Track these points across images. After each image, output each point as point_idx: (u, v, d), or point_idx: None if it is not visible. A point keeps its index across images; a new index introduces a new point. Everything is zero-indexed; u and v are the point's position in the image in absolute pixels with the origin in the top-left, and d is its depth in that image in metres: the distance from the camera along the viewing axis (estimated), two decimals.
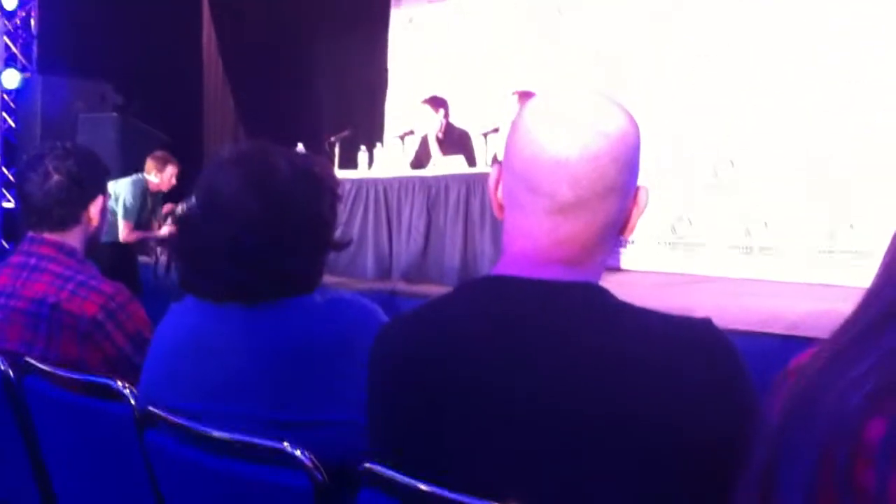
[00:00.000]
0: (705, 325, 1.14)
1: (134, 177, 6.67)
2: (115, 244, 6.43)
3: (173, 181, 6.72)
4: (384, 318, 1.60)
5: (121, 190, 6.58)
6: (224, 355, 1.57)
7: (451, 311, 1.22)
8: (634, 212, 1.22)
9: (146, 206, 6.66)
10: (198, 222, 1.62)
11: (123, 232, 6.46)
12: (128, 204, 6.54)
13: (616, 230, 1.21)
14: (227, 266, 1.56)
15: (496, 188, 1.25)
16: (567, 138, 1.14)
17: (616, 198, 1.17)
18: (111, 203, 6.48)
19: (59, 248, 2.22)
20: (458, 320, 1.20)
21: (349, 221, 6.86)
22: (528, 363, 1.12)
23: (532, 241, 1.18)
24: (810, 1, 7.04)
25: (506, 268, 1.20)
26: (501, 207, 1.24)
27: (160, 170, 6.77)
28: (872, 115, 6.67)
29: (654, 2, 7.97)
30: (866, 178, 6.62)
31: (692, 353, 1.10)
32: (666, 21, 7.88)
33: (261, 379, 1.55)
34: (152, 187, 6.71)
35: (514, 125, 1.21)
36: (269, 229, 1.58)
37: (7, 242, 9.33)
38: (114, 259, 6.22)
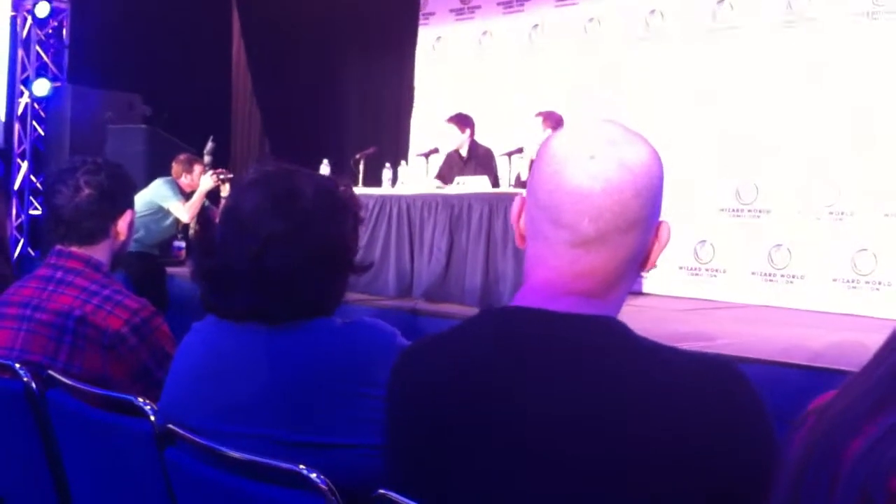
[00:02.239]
0: (725, 364, 1.14)
1: (163, 178, 6.79)
2: (144, 254, 6.51)
3: (203, 179, 6.81)
4: (403, 342, 1.61)
5: (155, 188, 6.67)
6: (243, 375, 1.58)
7: (469, 341, 1.23)
8: (655, 246, 1.22)
9: (186, 196, 6.75)
10: (221, 241, 1.64)
11: (183, 214, 6.55)
12: (169, 192, 6.64)
13: (637, 264, 1.22)
14: (248, 286, 1.58)
15: (518, 218, 1.26)
16: (590, 171, 1.15)
17: (638, 232, 1.18)
18: (157, 203, 6.58)
19: (87, 262, 2.25)
20: (476, 350, 1.21)
21: (372, 238, 6.88)
22: (544, 397, 1.12)
23: (553, 272, 1.19)
24: (839, 28, 7.02)
25: (526, 299, 1.21)
26: (523, 237, 1.25)
27: (188, 171, 6.87)
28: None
29: (682, 26, 7.97)
30: (891, 209, 6.58)
31: (711, 394, 1.10)
32: (693, 44, 7.88)
33: (279, 400, 1.56)
34: (184, 188, 6.80)
35: (539, 156, 1.23)
36: (290, 250, 1.60)
37: (33, 250, 9.43)
38: (143, 269, 6.30)
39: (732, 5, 7.66)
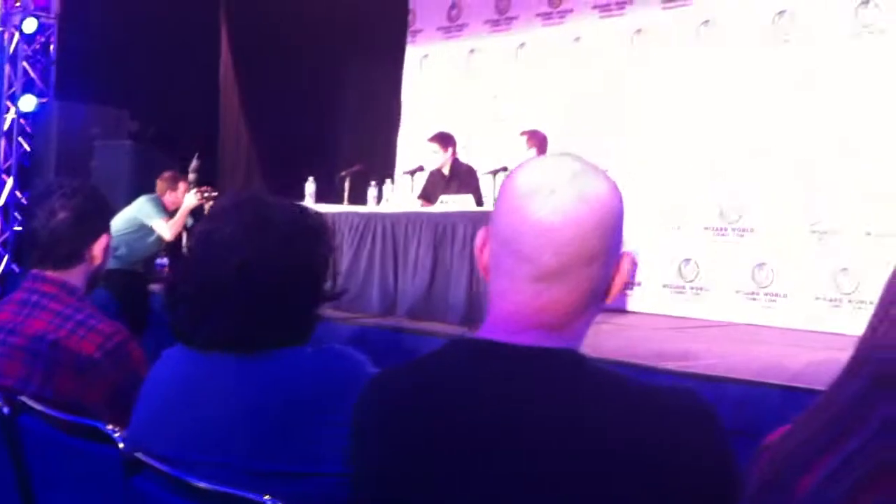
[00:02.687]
0: (687, 395, 1.15)
1: (147, 196, 6.79)
2: (127, 272, 6.50)
3: (188, 197, 6.81)
4: (373, 370, 1.62)
5: (139, 206, 6.68)
6: (211, 404, 1.59)
7: (434, 372, 1.24)
8: (617, 278, 1.24)
9: (170, 213, 6.75)
10: (192, 269, 1.64)
11: (166, 232, 6.55)
12: (153, 209, 6.64)
13: (599, 296, 1.23)
14: (218, 314, 1.59)
15: (482, 251, 1.27)
16: (550, 206, 1.16)
17: (599, 265, 1.19)
18: (141, 220, 6.58)
19: (61, 286, 2.25)
20: (439, 382, 1.22)
21: (356, 256, 6.89)
22: (507, 429, 1.13)
23: (515, 305, 1.20)
24: (823, 47, 7.07)
25: (488, 332, 1.22)
26: (487, 270, 1.26)
27: (173, 189, 6.88)
28: (880, 162, 6.68)
29: (667, 46, 8.02)
30: (873, 228, 6.62)
31: (671, 425, 1.11)
32: (678, 64, 7.93)
33: (247, 428, 1.56)
34: (169, 206, 6.80)
35: (501, 190, 1.24)
36: (262, 278, 1.60)
37: (18, 266, 9.40)
38: (126, 286, 6.28)
39: (716, 25, 7.71)
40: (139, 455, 1.60)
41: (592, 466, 1.08)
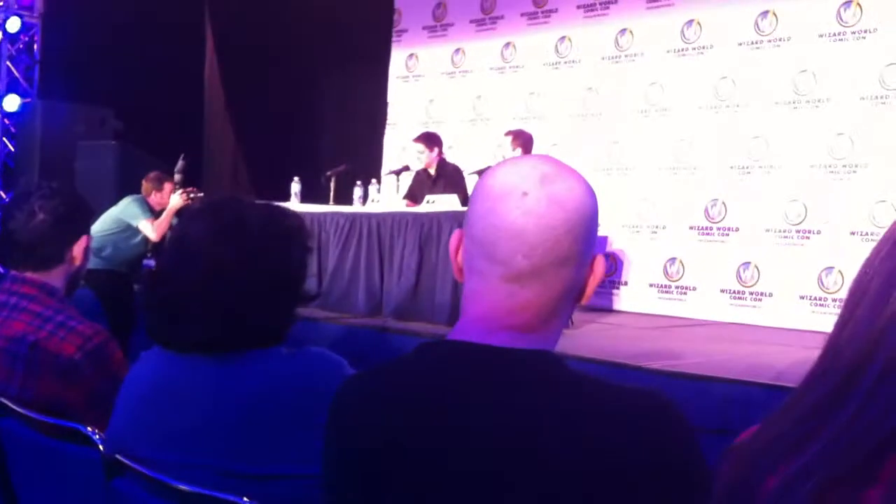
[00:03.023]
0: (656, 397, 1.15)
1: (133, 196, 6.77)
2: (112, 272, 6.48)
3: (173, 198, 6.80)
4: (350, 371, 1.62)
5: (124, 206, 6.66)
6: (188, 406, 1.59)
7: (408, 374, 1.25)
8: (591, 280, 1.24)
9: (155, 214, 6.74)
10: (168, 271, 1.64)
11: (151, 232, 6.53)
12: (138, 210, 6.62)
13: (572, 298, 1.23)
14: (194, 315, 1.59)
15: (456, 252, 1.27)
16: (523, 208, 1.17)
17: (572, 267, 1.20)
18: (126, 221, 6.56)
19: (41, 287, 2.24)
20: (412, 385, 1.22)
21: (342, 256, 6.89)
22: (480, 431, 1.14)
23: (488, 307, 1.20)
24: (810, 47, 7.11)
25: (462, 333, 1.22)
26: (461, 271, 1.27)
27: (158, 189, 6.86)
28: (865, 162, 6.73)
29: (652, 46, 8.05)
30: (858, 226, 6.66)
31: (640, 427, 1.11)
32: (663, 64, 7.96)
33: (224, 430, 1.56)
34: (154, 206, 6.79)
35: (475, 192, 1.24)
36: (237, 279, 1.61)
37: (3, 268, 9.35)
38: (111, 287, 6.27)
39: (702, 25, 7.74)
40: (119, 457, 1.60)
41: (562, 467, 1.09)
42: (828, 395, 0.93)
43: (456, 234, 1.28)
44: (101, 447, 1.67)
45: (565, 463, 1.09)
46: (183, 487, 1.47)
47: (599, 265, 1.24)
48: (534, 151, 6.97)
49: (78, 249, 2.32)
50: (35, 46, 9.70)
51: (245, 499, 1.37)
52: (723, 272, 7.37)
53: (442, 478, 1.14)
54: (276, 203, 1.82)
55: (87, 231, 2.36)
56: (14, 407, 1.93)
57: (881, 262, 0.96)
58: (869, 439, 0.86)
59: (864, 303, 0.95)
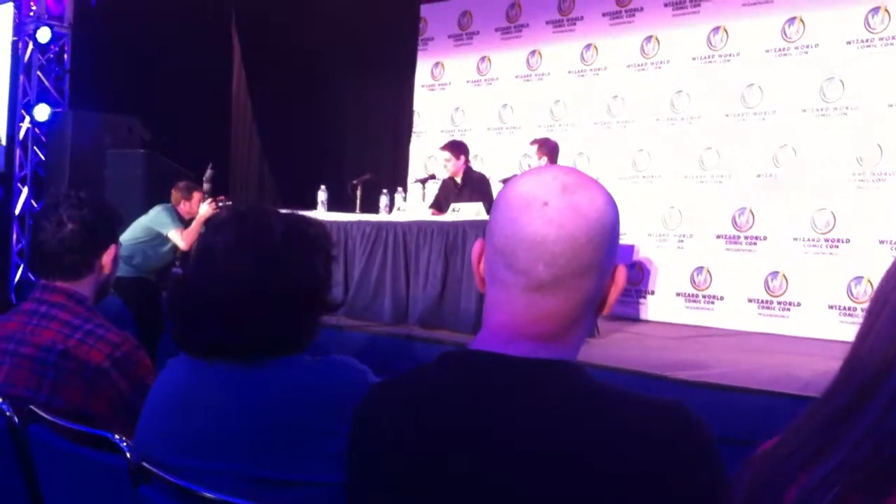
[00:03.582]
0: (678, 408, 1.15)
1: (162, 205, 6.83)
2: (141, 280, 6.54)
3: (202, 207, 6.85)
4: (374, 379, 1.63)
5: (154, 215, 6.72)
6: (213, 413, 1.60)
7: (431, 383, 1.25)
8: (612, 290, 1.24)
9: (185, 223, 6.79)
10: (193, 279, 1.66)
11: (180, 241, 6.57)
12: (168, 219, 6.68)
13: (594, 308, 1.24)
14: (219, 323, 1.60)
15: (478, 262, 1.28)
16: (544, 218, 1.17)
17: (593, 276, 1.20)
18: (156, 230, 6.62)
19: (70, 296, 2.27)
20: (435, 394, 1.23)
21: (368, 265, 6.91)
22: (503, 440, 1.14)
23: (509, 316, 1.21)
24: (838, 55, 7.07)
25: (484, 342, 1.23)
26: (483, 281, 1.27)
27: (187, 198, 6.91)
28: (894, 171, 6.68)
29: (678, 53, 8.03)
30: (887, 235, 6.60)
31: (661, 438, 1.11)
32: (690, 71, 7.94)
33: (249, 437, 1.58)
34: (184, 215, 6.84)
35: (496, 202, 1.25)
36: (260, 288, 1.62)
37: (34, 277, 9.45)
38: (140, 295, 6.32)
39: (728, 32, 7.71)
40: (146, 464, 1.62)
41: (582, 476, 1.09)
42: (848, 405, 0.93)
43: (478, 243, 1.28)
44: (127, 454, 1.69)
45: (585, 472, 1.09)
46: (208, 494, 1.48)
47: (621, 275, 1.24)
48: (559, 159, 6.97)
49: (107, 258, 2.35)
50: (65, 56, 9.79)
51: None
52: (751, 281, 7.32)
53: (464, 485, 1.15)
54: (301, 212, 1.84)
55: (115, 240, 2.39)
56: (43, 414, 1.96)
57: None
58: (889, 448, 0.86)
59: (884, 314, 0.95)
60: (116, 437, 1.73)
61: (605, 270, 1.22)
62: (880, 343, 0.94)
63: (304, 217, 1.79)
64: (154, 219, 6.75)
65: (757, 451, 1.04)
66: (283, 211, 1.76)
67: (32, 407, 1.98)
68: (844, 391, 0.95)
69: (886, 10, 6.83)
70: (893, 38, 6.81)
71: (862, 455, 0.86)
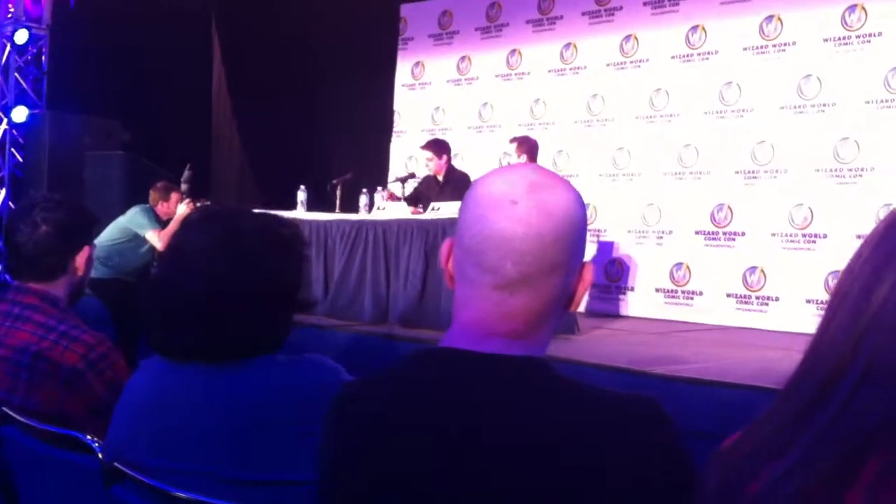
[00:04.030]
0: (644, 402, 1.16)
1: (140, 206, 6.81)
2: (119, 281, 6.51)
3: (180, 207, 6.84)
4: (347, 378, 1.63)
5: (131, 216, 6.70)
6: (186, 413, 1.60)
7: (401, 382, 1.26)
8: (580, 287, 1.25)
9: (162, 223, 6.77)
10: (165, 280, 1.66)
11: (158, 242, 6.55)
12: (145, 220, 6.66)
13: (562, 305, 1.25)
14: (192, 324, 1.60)
15: (447, 260, 1.29)
16: (512, 216, 1.18)
17: (560, 274, 1.21)
18: (133, 230, 6.60)
19: (44, 297, 2.27)
20: (406, 391, 1.24)
21: (348, 264, 6.91)
22: (471, 437, 1.15)
23: (478, 314, 1.22)
24: (814, 53, 7.12)
25: (453, 340, 1.23)
26: (453, 279, 1.28)
27: (165, 199, 6.90)
28: (871, 166, 6.73)
29: (657, 52, 8.07)
30: (864, 230, 6.65)
31: (627, 431, 1.12)
32: (668, 69, 7.97)
33: (222, 437, 1.58)
34: (162, 215, 6.82)
35: (465, 201, 1.26)
36: (233, 288, 1.62)
37: (10, 278, 9.38)
38: (118, 296, 6.30)
39: (707, 31, 7.75)
40: (118, 465, 1.62)
41: (550, 471, 1.10)
42: (809, 399, 0.93)
43: (447, 242, 1.29)
44: (100, 455, 1.69)
45: (556, 467, 1.10)
46: (180, 494, 1.48)
47: (588, 272, 1.25)
48: (539, 158, 6.99)
49: (81, 260, 2.34)
50: (43, 58, 9.74)
51: None
52: (729, 277, 7.37)
53: (436, 482, 1.16)
54: (278, 212, 1.84)
55: (89, 241, 2.38)
56: (16, 416, 1.95)
57: (861, 267, 0.97)
58: (849, 442, 0.87)
59: (844, 307, 0.96)
60: (88, 437, 1.73)
61: (572, 268, 1.23)
62: (840, 337, 0.94)
63: (277, 217, 1.79)
64: (131, 219, 6.73)
65: (721, 445, 1.05)
66: (257, 211, 1.76)
67: (5, 409, 1.98)
68: (805, 387, 0.96)
69: (863, 8, 6.88)
70: (870, 35, 6.86)
71: (822, 450, 0.87)
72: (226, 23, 11.05)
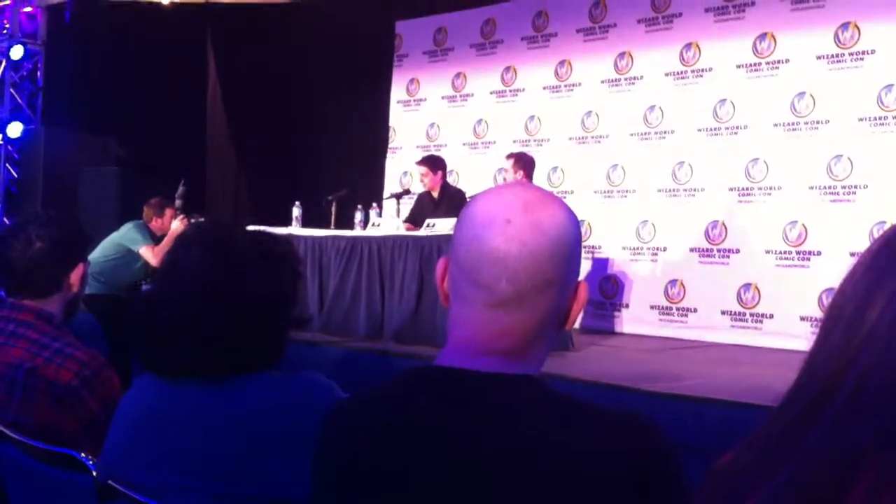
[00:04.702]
0: (637, 419, 1.16)
1: (134, 222, 6.81)
2: (112, 297, 6.50)
3: (174, 223, 6.84)
4: (341, 395, 1.63)
5: (125, 232, 6.70)
6: (180, 431, 1.60)
7: (394, 400, 1.26)
8: (575, 305, 1.25)
9: (156, 239, 6.77)
10: (158, 297, 1.66)
11: (152, 258, 6.54)
12: (139, 235, 6.66)
13: (556, 323, 1.25)
14: (185, 342, 1.60)
15: (442, 279, 1.29)
16: (507, 235, 1.19)
17: (555, 292, 1.21)
18: (127, 246, 6.60)
19: (38, 314, 2.26)
20: (399, 410, 1.23)
21: (343, 280, 6.91)
22: (464, 455, 1.15)
23: (472, 332, 1.22)
24: (809, 71, 7.16)
25: (447, 358, 1.24)
26: (447, 297, 1.28)
27: (159, 215, 6.90)
28: (865, 184, 6.76)
29: (652, 68, 8.10)
30: (858, 247, 6.66)
31: (620, 451, 1.12)
32: (663, 86, 8.00)
33: (216, 454, 1.58)
34: (156, 232, 6.82)
35: (460, 219, 1.26)
36: (227, 306, 1.62)
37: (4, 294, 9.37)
38: (111, 312, 6.29)
39: (701, 48, 7.78)
40: (112, 483, 1.61)
41: (543, 489, 1.10)
42: (802, 416, 0.93)
43: (441, 260, 1.30)
44: (94, 473, 1.68)
45: (547, 485, 1.10)
46: None
47: (583, 290, 1.26)
48: (535, 174, 7.00)
49: (75, 276, 2.34)
50: (38, 74, 9.76)
51: None
52: (723, 294, 7.37)
53: (429, 499, 1.15)
54: (273, 229, 1.84)
55: (84, 258, 2.38)
56: (9, 433, 1.95)
57: (855, 286, 0.97)
58: (840, 459, 0.87)
59: (839, 326, 0.96)
60: (83, 455, 1.73)
61: (567, 286, 1.23)
62: (834, 356, 0.94)
63: (270, 234, 1.79)
64: (125, 235, 6.73)
65: (716, 462, 1.05)
66: (251, 228, 1.76)
67: None
68: (797, 405, 0.96)
69: (856, 26, 6.92)
70: (863, 53, 6.90)
71: (812, 466, 0.87)
72: (221, 39, 11.08)
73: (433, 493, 1.15)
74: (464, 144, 9.42)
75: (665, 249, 7.81)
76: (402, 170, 9.77)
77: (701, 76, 7.78)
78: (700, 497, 1.02)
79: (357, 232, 7.17)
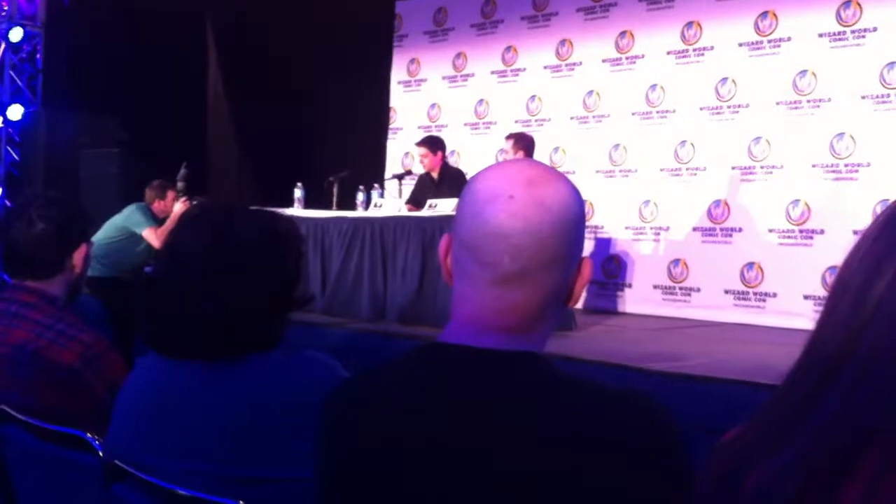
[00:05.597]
0: (641, 397, 1.16)
1: (137, 204, 6.81)
2: (116, 279, 6.51)
3: (176, 205, 6.84)
4: (344, 374, 1.63)
5: (128, 214, 6.70)
6: (184, 412, 1.60)
7: (399, 378, 1.26)
8: (578, 282, 1.25)
9: (159, 221, 6.77)
10: (161, 279, 1.66)
11: (154, 240, 6.54)
12: (142, 217, 6.66)
13: (560, 300, 1.24)
14: (188, 323, 1.60)
15: (445, 256, 1.28)
16: (510, 211, 1.18)
17: (558, 269, 1.21)
18: (130, 229, 6.60)
19: (41, 295, 2.26)
20: (404, 387, 1.23)
21: (345, 261, 6.90)
22: (469, 432, 1.15)
23: (476, 309, 1.22)
24: (811, 49, 7.13)
25: (451, 336, 1.23)
26: (451, 275, 1.28)
27: (161, 197, 6.90)
28: (867, 161, 6.74)
29: (654, 49, 8.06)
30: (861, 225, 6.65)
31: (628, 424, 1.12)
32: (665, 67, 7.97)
33: (220, 435, 1.58)
34: (158, 214, 6.82)
35: (463, 196, 1.26)
36: (229, 286, 1.61)
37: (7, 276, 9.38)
38: (114, 294, 6.30)
39: (702, 26, 7.75)
40: (118, 463, 1.61)
41: (551, 466, 1.10)
42: (808, 394, 0.93)
43: (445, 238, 1.29)
44: (100, 453, 1.69)
45: (551, 462, 1.10)
46: (180, 492, 1.48)
47: (587, 267, 1.25)
48: (535, 155, 6.99)
49: (78, 257, 2.33)
50: (38, 56, 9.72)
51: (241, 502, 1.38)
52: (727, 273, 7.37)
53: (432, 478, 1.16)
54: (269, 208, 1.83)
55: (86, 239, 2.38)
56: (15, 414, 1.95)
57: (862, 258, 0.97)
58: (847, 437, 0.86)
59: (845, 299, 0.96)
60: (89, 435, 1.73)
61: (570, 263, 1.23)
62: (840, 331, 0.94)
63: (273, 213, 1.78)
64: (128, 218, 6.73)
65: (720, 440, 1.05)
66: (253, 208, 1.75)
67: (4, 407, 1.97)
68: (804, 381, 0.95)
69: (858, 3, 6.89)
70: (865, 30, 6.86)
71: (819, 445, 0.87)
72: (221, 20, 11.03)
73: (438, 467, 1.15)
74: (465, 125, 9.40)
75: (668, 229, 7.80)
76: (403, 151, 9.75)
77: (702, 55, 7.75)
78: (705, 474, 1.02)
79: (359, 213, 7.16)
